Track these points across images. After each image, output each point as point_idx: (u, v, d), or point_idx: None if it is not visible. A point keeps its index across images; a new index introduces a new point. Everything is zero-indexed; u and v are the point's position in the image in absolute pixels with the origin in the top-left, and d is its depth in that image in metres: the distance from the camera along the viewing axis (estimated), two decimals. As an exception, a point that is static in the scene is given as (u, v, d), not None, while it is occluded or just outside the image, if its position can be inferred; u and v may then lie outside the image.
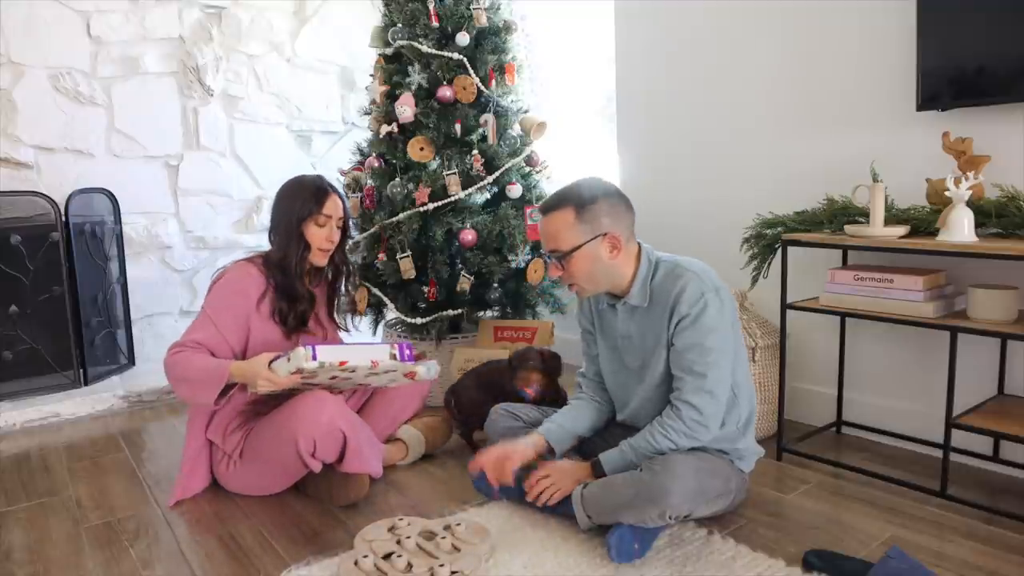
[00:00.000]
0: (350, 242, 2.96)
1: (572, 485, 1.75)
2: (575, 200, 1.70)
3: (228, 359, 1.96)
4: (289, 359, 1.80)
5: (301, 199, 2.09)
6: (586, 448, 1.97)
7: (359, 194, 2.94)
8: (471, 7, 2.78)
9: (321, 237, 2.10)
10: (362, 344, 1.93)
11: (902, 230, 1.99)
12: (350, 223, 2.26)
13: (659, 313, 1.74)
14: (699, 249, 2.78)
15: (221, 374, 1.88)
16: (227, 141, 3.58)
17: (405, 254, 2.70)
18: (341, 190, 2.22)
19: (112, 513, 2.02)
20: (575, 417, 1.94)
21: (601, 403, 1.98)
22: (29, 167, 3.07)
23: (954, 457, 2.11)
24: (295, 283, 2.09)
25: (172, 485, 2.12)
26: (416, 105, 2.77)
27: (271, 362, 1.85)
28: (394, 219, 2.75)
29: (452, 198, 2.70)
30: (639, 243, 1.80)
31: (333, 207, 2.11)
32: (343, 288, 2.33)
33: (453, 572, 1.55)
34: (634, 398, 1.86)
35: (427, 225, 2.74)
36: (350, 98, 3.92)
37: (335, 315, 2.31)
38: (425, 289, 2.74)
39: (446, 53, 2.74)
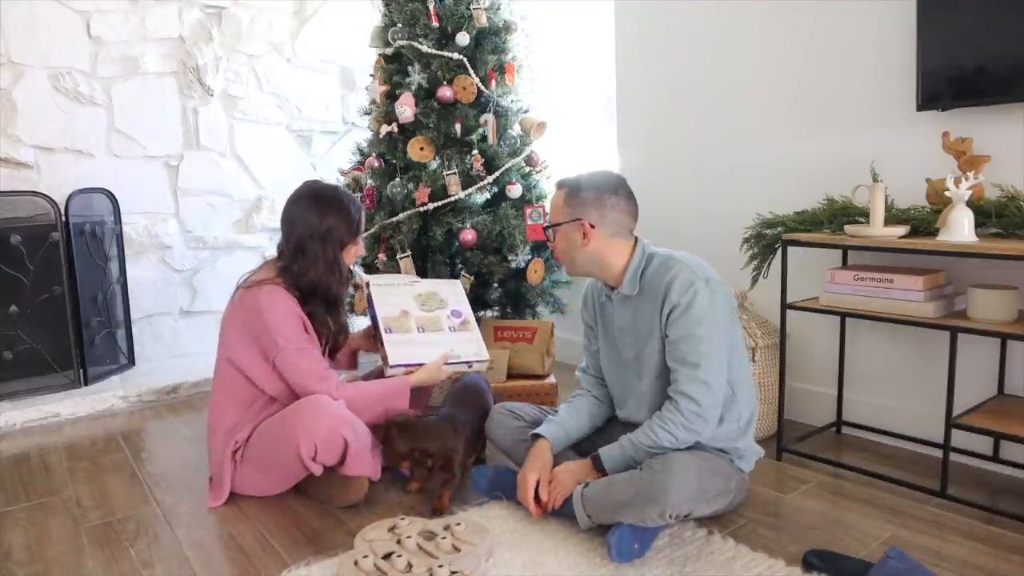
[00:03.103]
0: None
1: (573, 483, 1.76)
2: (572, 185, 1.83)
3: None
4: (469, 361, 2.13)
5: (345, 222, 1.99)
6: (585, 446, 1.97)
7: (359, 194, 2.94)
8: (471, 7, 2.78)
9: (357, 254, 2.08)
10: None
11: (902, 230, 1.99)
12: None
13: (650, 302, 1.76)
14: (699, 249, 2.78)
15: (404, 391, 2.02)
16: (227, 141, 3.58)
17: (405, 254, 2.70)
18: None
19: (112, 513, 2.02)
20: (576, 417, 1.95)
21: (600, 399, 1.99)
22: (29, 167, 3.07)
23: (954, 457, 2.11)
24: (340, 315, 2.06)
25: (172, 485, 2.14)
26: (416, 105, 2.77)
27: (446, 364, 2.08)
28: (394, 219, 2.75)
29: (452, 198, 2.70)
30: (636, 237, 1.84)
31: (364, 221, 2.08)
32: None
33: (453, 572, 1.55)
34: (632, 394, 1.87)
35: (427, 225, 2.74)
36: (350, 98, 3.92)
37: None
38: (425, 289, 2.74)
39: (446, 53, 2.74)
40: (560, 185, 1.87)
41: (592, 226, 1.77)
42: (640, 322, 1.80)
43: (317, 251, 1.98)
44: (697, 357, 1.68)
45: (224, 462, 2.02)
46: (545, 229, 1.89)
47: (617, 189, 1.81)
